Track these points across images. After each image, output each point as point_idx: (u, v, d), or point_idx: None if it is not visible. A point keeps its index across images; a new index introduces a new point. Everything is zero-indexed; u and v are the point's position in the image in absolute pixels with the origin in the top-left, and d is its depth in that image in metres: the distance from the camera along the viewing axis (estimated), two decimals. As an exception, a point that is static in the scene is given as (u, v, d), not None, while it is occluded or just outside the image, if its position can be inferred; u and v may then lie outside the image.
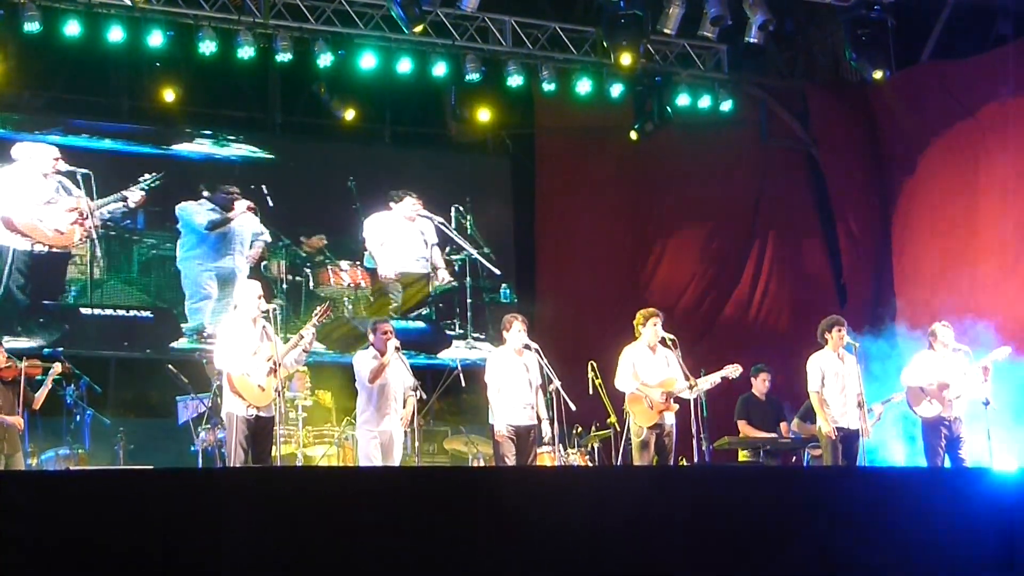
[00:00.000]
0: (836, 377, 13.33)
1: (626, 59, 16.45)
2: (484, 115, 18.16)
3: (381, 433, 12.52)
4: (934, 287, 17.58)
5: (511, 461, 12.49)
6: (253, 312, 11.90)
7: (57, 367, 13.78)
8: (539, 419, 12.76)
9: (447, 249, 18.28)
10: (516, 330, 12.86)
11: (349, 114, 17.63)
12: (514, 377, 12.73)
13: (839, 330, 13.47)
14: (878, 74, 16.76)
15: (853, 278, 19.28)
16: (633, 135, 18.42)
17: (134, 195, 16.66)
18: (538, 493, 7.98)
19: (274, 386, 11.65)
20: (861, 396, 13.15)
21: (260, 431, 11.72)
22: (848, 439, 13.20)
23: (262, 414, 11.72)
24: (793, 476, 11.69)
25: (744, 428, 15.14)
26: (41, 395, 13.58)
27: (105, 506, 6.97)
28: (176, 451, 14.65)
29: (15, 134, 16.36)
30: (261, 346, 11.81)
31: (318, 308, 12.38)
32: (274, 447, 11.81)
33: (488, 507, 7.60)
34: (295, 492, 7.47)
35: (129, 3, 15.24)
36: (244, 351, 11.76)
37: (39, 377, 13.59)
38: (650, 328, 13.15)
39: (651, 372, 13.10)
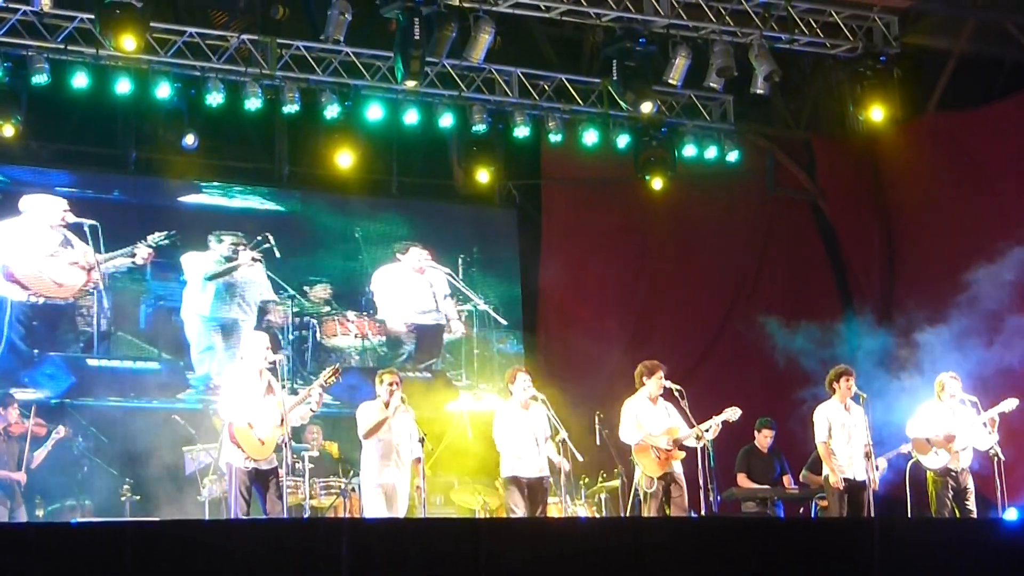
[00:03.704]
0: (843, 428, 13.31)
1: (646, 107, 16.40)
2: (489, 168, 18.11)
3: (384, 485, 12.49)
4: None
5: (521, 513, 12.45)
6: (260, 363, 11.89)
7: (61, 431, 14.00)
8: (551, 470, 12.74)
9: (454, 300, 18.29)
10: (521, 382, 12.85)
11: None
12: (521, 431, 12.71)
13: (847, 380, 13.43)
14: (882, 114, 16.67)
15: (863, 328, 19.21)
16: (658, 183, 17.77)
17: (142, 252, 16.63)
18: (545, 544, 7.96)
19: (277, 438, 11.62)
20: (869, 447, 13.12)
21: (260, 482, 11.71)
22: (855, 490, 13.17)
23: (261, 466, 11.70)
24: (801, 528, 11.64)
25: (743, 481, 15.08)
26: (39, 456, 13.76)
27: (112, 559, 6.94)
28: (183, 502, 14.60)
29: (23, 186, 16.38)
30: (266, 399, 11.79)
31: (327, 370, 12.32)
32: (279, 499, 11.78)
33: (494, 558, 7.57)
34: (303, 543, 7.45)
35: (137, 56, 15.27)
36: (248, 402, 11.74)
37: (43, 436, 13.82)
38: (655, 381, 13.13)
39: (654, 423, 13.10)
